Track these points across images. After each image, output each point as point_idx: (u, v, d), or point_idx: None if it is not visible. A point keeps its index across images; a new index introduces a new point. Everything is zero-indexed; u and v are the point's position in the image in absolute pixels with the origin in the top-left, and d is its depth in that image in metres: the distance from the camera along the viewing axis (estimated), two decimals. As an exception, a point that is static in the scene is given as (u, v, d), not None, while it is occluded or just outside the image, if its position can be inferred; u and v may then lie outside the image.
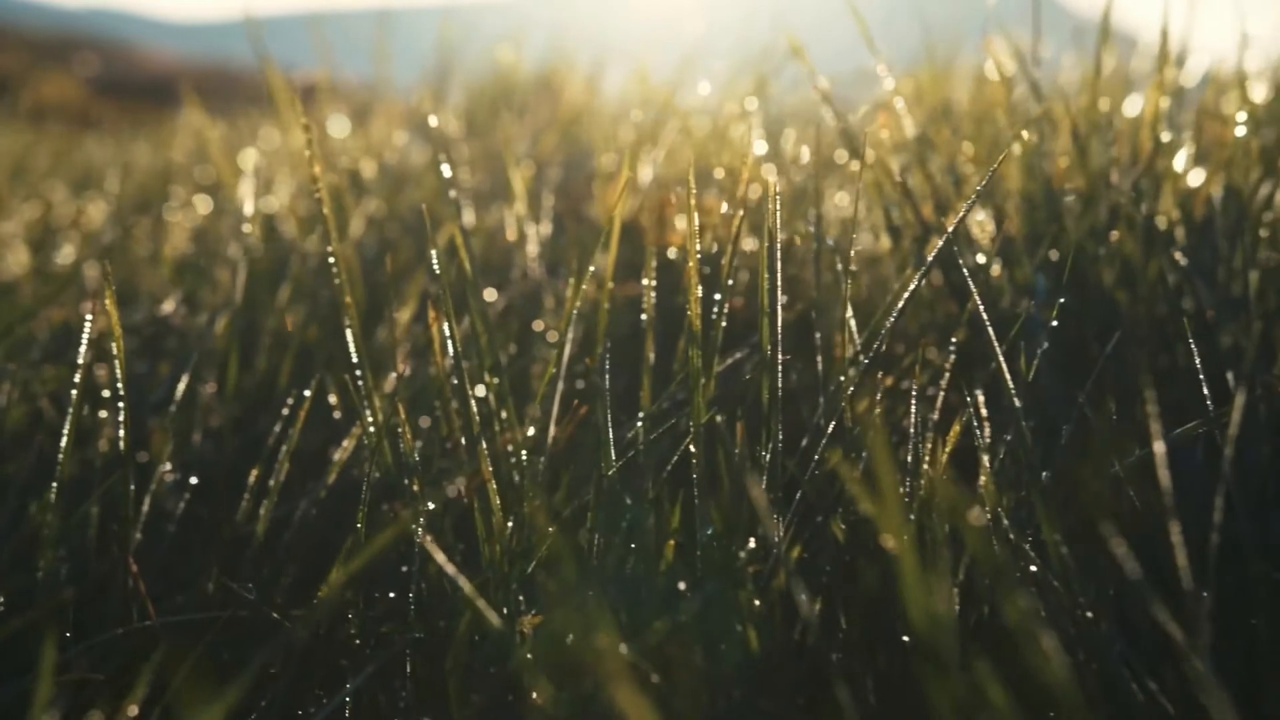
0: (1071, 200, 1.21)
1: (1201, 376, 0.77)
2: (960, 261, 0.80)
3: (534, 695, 0.69)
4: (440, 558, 0.65)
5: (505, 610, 0.77)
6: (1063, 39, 1.89)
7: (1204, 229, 1.15)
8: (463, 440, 0.86)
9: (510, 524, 0.78)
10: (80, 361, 0.81)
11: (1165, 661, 0.70)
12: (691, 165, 0.81)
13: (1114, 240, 1.15)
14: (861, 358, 0.82)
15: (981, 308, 0.76)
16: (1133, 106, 1.37)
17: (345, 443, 0.98)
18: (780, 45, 1.92)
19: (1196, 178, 1.20)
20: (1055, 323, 1.04)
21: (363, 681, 0.78)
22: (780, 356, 0.79)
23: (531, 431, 0.88)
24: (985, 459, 0.74)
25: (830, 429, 0.81)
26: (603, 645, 0.52)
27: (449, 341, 0.83)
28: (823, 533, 0.81)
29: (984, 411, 0.80)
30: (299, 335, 1.37)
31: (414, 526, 0.78)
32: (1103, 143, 1.21)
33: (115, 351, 0.82)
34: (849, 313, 0.85)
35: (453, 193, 1.07)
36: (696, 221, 0.80)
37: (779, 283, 0.79)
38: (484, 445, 0.78)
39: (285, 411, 1.05)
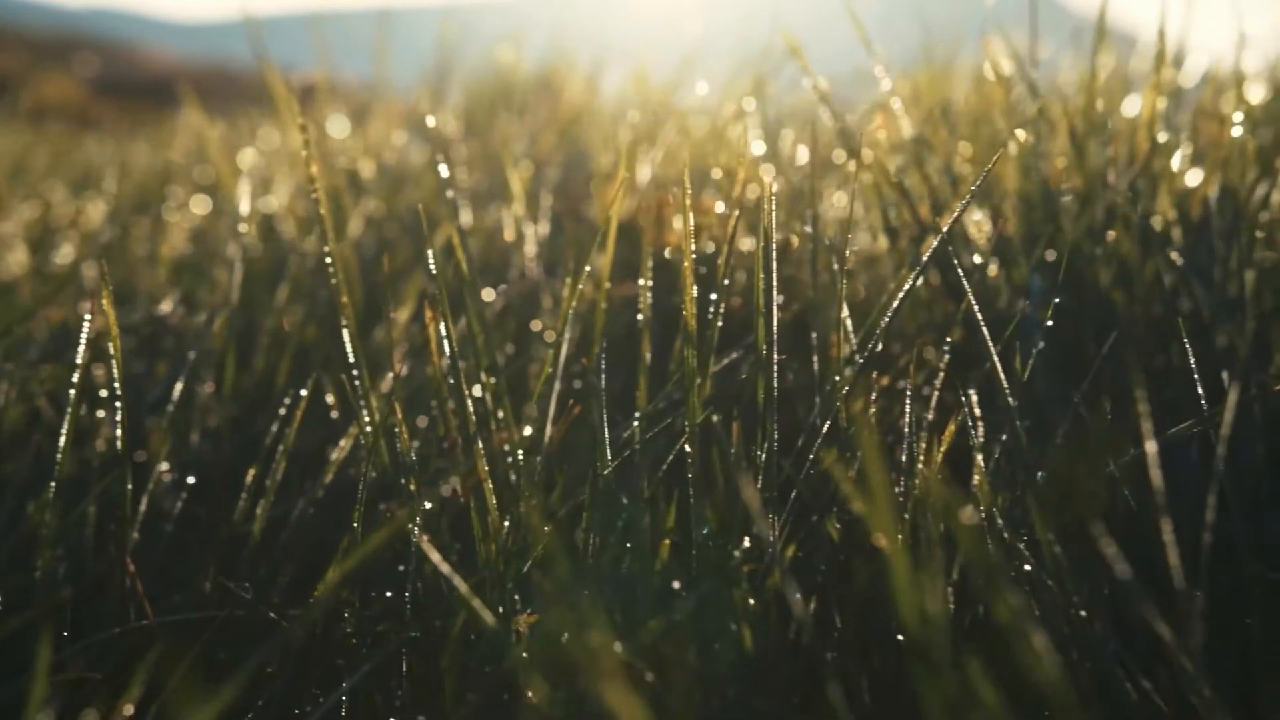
0: (1068, 200, 1.21)
1: (1196, 376, 0.77)
2: (956, 261, 0.80)
3: (529, 694, 0.69)
4: (436, 557, 0.65)
5: (501, 609, 0.77)
6: (1062, 39, 1.89)
7: (1200, 229, 1.15)
8: (459, 440, 0.87)
9: (506, 523, 0.78)
10: (78, 361, 0.82)
11: (1159, 661, 0.71)
12: (688, 165, 0.81)
13: (1110, 240, 1.15)
14: (857, 357, 0.83)
15: (977, 308, 0.76)
16: (1130, 107, 1.37)
17: (342, 442, 0.98)
18: (779, 45, 1.92)
19: (1193, 178, 1.20)
20: (1051, 323, 1.05)
21: (359, 680, 0.78)
22: (776, 356, 0.79)
23: (528, 431, 0.89)
24: (980, 458, 0.74)
25: (825, 429, 0.82)
26: (597, 644, 0.52)
27: (446, 341, 0.83)
28: (817, 532, 0.81)
29: (979, 411, 0.80)
30: (296, 335, 1.37)
31: (410, 526, 0.78)
32: (1100, 143, 1.21)
33: (113, 351, 0.82)
34: (845, 313, 0.85)
35: (451, 193, 1.08)
36: (692, 222, 0.80)
37: (775, 283, 0.79)
38: (480, 445, 0.78)
39: (282, 411, 1.05)
